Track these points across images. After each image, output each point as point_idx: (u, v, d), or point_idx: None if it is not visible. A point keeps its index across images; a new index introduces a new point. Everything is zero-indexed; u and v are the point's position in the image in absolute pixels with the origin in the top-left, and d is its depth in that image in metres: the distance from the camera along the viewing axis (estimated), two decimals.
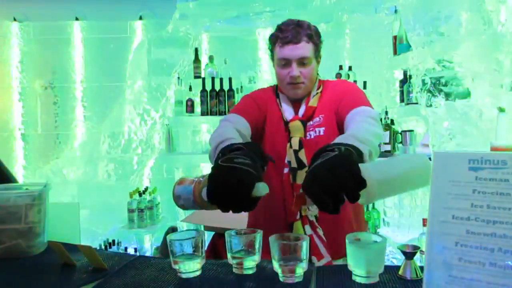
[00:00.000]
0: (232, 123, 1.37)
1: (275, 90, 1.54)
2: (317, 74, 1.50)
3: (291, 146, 1.40)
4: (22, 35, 3.91)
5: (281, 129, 1.45)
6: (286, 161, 1.40)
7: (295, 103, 1.48)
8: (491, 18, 2.41)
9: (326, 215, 1.37)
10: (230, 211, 0.95)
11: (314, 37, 1.41)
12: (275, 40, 1.43)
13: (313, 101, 1.45)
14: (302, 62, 1.39)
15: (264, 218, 1.46)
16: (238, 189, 0.91)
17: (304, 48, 1.38)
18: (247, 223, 1.58)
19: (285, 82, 1.44)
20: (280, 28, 1.42)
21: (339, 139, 1.07)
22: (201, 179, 1.07)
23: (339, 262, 1.39)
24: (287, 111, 1.47)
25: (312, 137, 1.41)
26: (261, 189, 0.93)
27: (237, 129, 1.33)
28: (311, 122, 1.43)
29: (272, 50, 1.46)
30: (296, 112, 1.47)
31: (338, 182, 0.86)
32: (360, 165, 0.90)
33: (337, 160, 0.90)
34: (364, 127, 1.21)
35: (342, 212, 1.40)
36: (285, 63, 1.41)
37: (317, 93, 1.47)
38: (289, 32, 1.38)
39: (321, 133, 1.40)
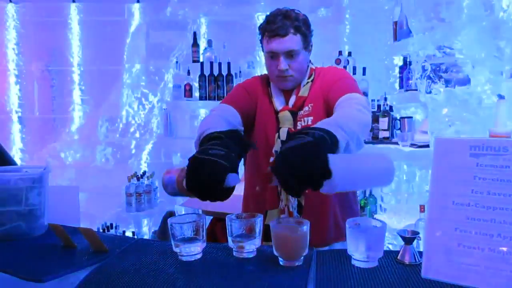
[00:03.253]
0: (220, 112, 1.39)
1: (267, 79, 1.53)
2: (309, 62, 1.48)
3: (279, 137, 1.41)
4: (18, 17, 3.86)
5: (272, 119, 1.45)
6: (273, 151, 1.41)
7: (286, 93, 1.47)
8: (492, 4, 2.39)
9: (311, 204, 1.41)
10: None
11: (302, 28, 1.38)
12: (263, 32, 1.41)
13: (304, 91, 1.44)
14: (290, 54, 1.37)
15: (253, 205, 1.50)
16: (210, 181, 0.95)
17: (291, 41, 1.36)
18: (241, 209, 1.60)
19: (274, 75, 1.43)
20: (267, 20, 1.39)
21: (320, 123, 1.07)
22: (185, 168, 1.09)
23: (324, 249, 1.41)
24: (278, 101, 1.46)
25: (299, 127, 1.41)
26: (231, 180, 0.96)
27: (225, 119, 1.34)
28: (301, 112, 1.42)
29: (261, 42, 1.44)
30: (287, 102, 1.46)
31: (306, 170, 0.88)
32: (329, 155, 0.91)
33: (309, 147, 0.91)
34: (351, 114, 1.21)
35: (327, 200, 1.41)
36: (273, 55, 1.39)
37: (307, 82, 1.45)
38: (275, 25, 1.35)
39: (309, 122, 1.40)
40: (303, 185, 0.90)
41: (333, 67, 1.59)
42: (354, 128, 1.09)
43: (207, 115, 1.41)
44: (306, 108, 1.42)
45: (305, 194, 1.42)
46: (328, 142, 0.97)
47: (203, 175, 0.96)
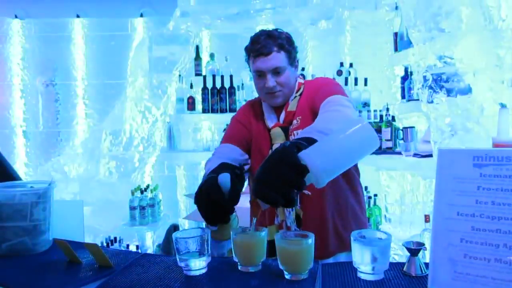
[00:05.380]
0: (219, 154, 1.45)
1: (259, 101, 1.59)
2: (297, 77, 1.52)
3: None
4: (23, 32, 3.91)
5: (265, 137, 1.49)
6: None
7: (277, 110, 1.52)
8: (491, 14, 2.40)
9: (310, 216, 1.42)
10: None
11: (286, 45, 1.42)
12: (248, 52, 1.46)
13: (292, 105, 1.48)
14: (276, 71, 1.42)
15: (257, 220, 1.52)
16: (208, 190, 1.09)
17: (276, 59, 1.40)
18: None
19: (263, 92, 1.48)
20: (252, 40, 1.45)
21: (300, 133, 1.09)
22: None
23: (329, 261, 1.41)
24: (270, 119, 1.51)
25: None
26: (221, 179, 1.10)
27: (225, 159, 1.39)
28: (291, 127, 1.46)
29: (248, 62, 1.49)
30: (279, 118, 1.50)
31: (278, 177, 0.89)
32: (301, 152, 0.92)
33: (274, 156, 0.93)
34: (326, 116, 1.23)
35: (325, 211, 1.42)
36: (260, 74, 1.44)
37: (295, 96, 1.49)
38: (259, 44, 1.40)
39: (299, 135, 1.42)
40: (287, 192, 0.89)
41: (319, 78, 1.63)
42: (332, 126, 1.10)
43: (209, 157, 1.47)
44: (294, 122, 1.45)
45: (303, 207, 1.43)
46: (304, 145, 0.97)
47: (203, 191, 1.09)
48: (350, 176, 1.50)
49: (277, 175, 0.89)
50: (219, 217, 1.09)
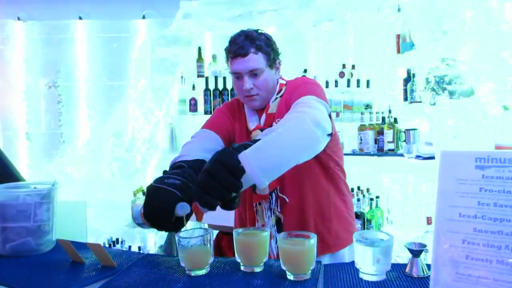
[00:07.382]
0: (199, 139, 1.40)
1: None
2: (277, 79, 1.47)
3: None
4: (26, 34, 3.92)
5: (246, 139, 1.44)
6: None
7: (259, 112, 1.48)
8: (495, 16, 2.41)
9: (290, 220, 1.40)
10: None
11: (264, 47, 1.38)
12: (227, 53, 1.42)
13: (272, 107, 1.44)
14: (253, 73, 1.38)
15: (239, 223, 1.55)
16: (159, 209, 0.96)
17: (252, 60, 1.36)
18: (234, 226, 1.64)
19: (241, 95, 1.44)
20: (230, 41, 1.41)
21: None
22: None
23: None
24: (251, 121, 1.47)
25: None
26: (179, 209, 0.96)
27: (203, 145, 1.34)
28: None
29: (227, 63, 1.46)
30: (260, 120, 1.46)
31: (212, 178, 0.87)
32: (240, 154, 0.88)
33: (213, 158, 0.90)
34: (285, 119, 1.19)
35: (306, 214, 1.41)
36: (238, 76, 1.40)
37: (276, 98, 1.45)
38: (237, 45, 1.37)
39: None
40: (223, 194, 0.87)
41: (300, 77, 1.57)
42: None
43: (187, 141, 1.41)
44: (274, 124, 1.40)
45: (283, 211, 1.40)
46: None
47: (155, 204, 0.97)
48: (334, 176, 1.46)
49: (213, 177, 0.87)
50: (156, 227, 1.01)
